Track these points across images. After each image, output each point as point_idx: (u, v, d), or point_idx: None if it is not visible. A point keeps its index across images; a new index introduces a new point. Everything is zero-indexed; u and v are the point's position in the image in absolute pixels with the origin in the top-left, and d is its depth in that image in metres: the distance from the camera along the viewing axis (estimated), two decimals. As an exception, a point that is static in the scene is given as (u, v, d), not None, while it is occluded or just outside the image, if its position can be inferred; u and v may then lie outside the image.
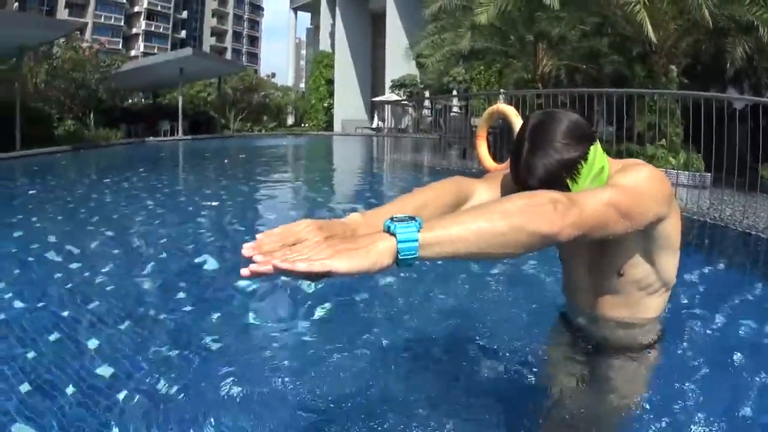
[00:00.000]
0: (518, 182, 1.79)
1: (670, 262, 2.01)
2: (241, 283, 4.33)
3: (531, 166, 1.74)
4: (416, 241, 1.23)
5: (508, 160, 1.88)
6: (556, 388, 2.34)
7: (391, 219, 1.26)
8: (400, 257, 1.22)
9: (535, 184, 1.72)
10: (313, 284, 3.72)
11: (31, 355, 3.22)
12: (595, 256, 2.07)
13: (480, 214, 1.35)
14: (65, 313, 3.94)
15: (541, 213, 1.39)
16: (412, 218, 1.26)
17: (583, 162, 1.75)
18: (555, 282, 2.69)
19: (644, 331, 2.15)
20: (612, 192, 1.62)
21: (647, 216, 1.74)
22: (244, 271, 1.17)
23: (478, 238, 1.31)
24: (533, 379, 2.73)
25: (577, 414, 2.24)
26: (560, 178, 1.73)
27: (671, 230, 1.92)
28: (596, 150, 1.79)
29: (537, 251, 1.49)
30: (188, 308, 4.10)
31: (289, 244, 1.27)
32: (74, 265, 5.15)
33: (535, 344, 2.98)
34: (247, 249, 1.24)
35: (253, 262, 1.18)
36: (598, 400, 2.24)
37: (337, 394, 2.76)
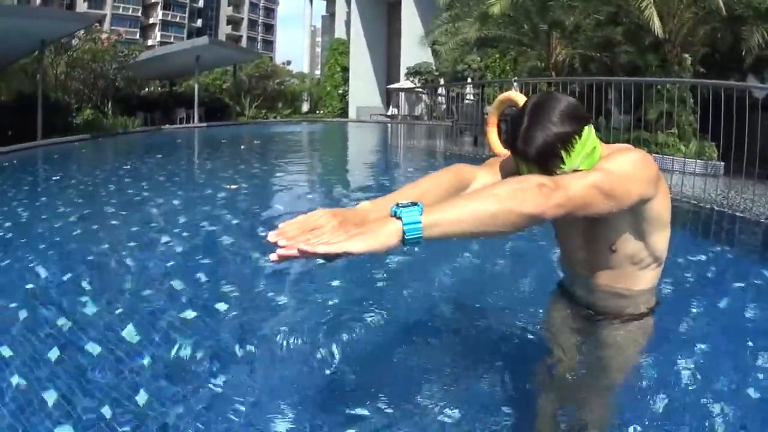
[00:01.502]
0: (516, 152, 1.96)
1: (660, 239, 2.16)
2: (253, 257, 4.64)
3: (529, 137, 1.89)
4: (419, 223, 1.39)
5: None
6: (555, 352, 2.53)
7: (397, 205, 1.42)
8: (406, 237, 1.39)
9: (533, 152, 1.89)
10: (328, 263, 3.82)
11: (61, 321, 3.40)
12: (588, 233, 2.21)
13: (475, 199, 1.53)
14: (90, 285, 4.11)
15: (528, 196, 1.56)
16: (415, 204, 1.43)
17: (577, 137, 1.91)
18: (554, 254, 2.86)
19: (638, 300, 2.29)
20: (596, 175, 1.78)
21: (631, 197, 1.87)
22: (273, 256, 1.35)
23: (474, 218, 1.47)
24: (535, 342, 2.85)
25: (575, 376, 2.43)
26: (556, 149, 1.89)
27: (660, 210, 2.06)
28: (590, 131, 1.95)
29: (527, 228, 1.64)
30: (204, 280, 4.24)
31: (309, 230, 1.43)
32: (96, 243, 5.35)
33: (536, 312, 3.13)
34: (272, 236, 1.40)
35: (279, 248, 1.36)
36: (594, 364, 2.41)
37: (342, 358, 2.87)
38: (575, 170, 1.89)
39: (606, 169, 1.82)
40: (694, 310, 3.38)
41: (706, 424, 2.27)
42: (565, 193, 1.65)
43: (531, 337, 2.96)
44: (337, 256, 1.35)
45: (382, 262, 4.26)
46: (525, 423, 2.35)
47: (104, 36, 29.66)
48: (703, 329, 3.16)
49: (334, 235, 1.38)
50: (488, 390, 2.56)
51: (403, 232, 1.38)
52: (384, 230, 1.38)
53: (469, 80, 28.70)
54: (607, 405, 2.40)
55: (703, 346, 2.86)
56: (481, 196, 1.54)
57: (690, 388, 2.51)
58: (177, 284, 4.10)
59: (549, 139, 1.88)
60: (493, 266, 4.44)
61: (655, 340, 2.53)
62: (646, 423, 2.26)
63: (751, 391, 2.53)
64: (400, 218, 1.39)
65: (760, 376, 2.70)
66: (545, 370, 2.58)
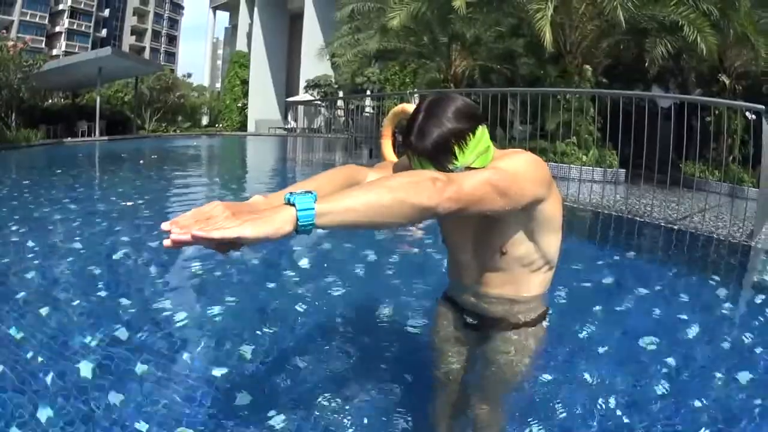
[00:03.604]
0: (410, 147, 1.93)
1: (552, 242, 2.18)
2: (152, 273, 4.92)
3: (424, 131, 1.88)
4: (312, 209, 1.39)
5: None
6: (446, 365, 2.54)
7: (291, 193, 1.42)
8: (299, 224, 1.38)
9: (427, 146, 1.87)
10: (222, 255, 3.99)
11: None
12: (478, 235, 2.21)
13: (368, 189, 1.54)
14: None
15: (422, 188, 1.57)
16: (309, 192, 1.43)
17: (471, 135, 1.90)
18: (440, 266, 2.89)
19: (529, 307, 2.29)
20: (491, 172, 1.80)
21: (524, 196, 1.89)
22: (167, 242, 1.32)
23: (367, 208, 1.48)
24: (428, 350, 2.85)
25: (469, 383, 2.49)
26: (449, 144, 1.88)
27: (551, 212, 2.09)
28: (484, 131, 1.95)
29: (421, 221, 1.68)
30: (103, 296, 4.30)
31: (203, 220, 1.39)
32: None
33: (427, 320, 3.25)
34: (165, 225, 1.37)
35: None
36: (487, 374, 2.41)
37: (237, 371, 3.03)
38: (468, 168, 1.90)
39: (500, 167, 1.84)
40: (593, 314, 3.64)
41: (603, 423, 2.44)
42: (459, 187, 1.66)
43: (424, 344, 2.99)
44: (231, 244, 1.35)
45: (276, 273, 4.69)
46: (422, 428, 2.49)
47: (10, 44, 28.19)
48: (602, 332, 3.37)
49: (228, 222, 1.36)
50: (383, 397, 2.68)
51: (297, 219, 1.38)
52: (278, 216, 1.37)
53: (369, 93, 28.79)
54: (503, 410, 2.48)
55: (601, 348, 3.08)
56: (375, 187, 1.55)
57: (589, 389, 2.68)
58: (75, 301, 4.16)
59: (443, 133, 1.88)
60: (386, 275, 4.58)
61: (551, 344, 2.65)
62: (544, 425, 2.43)
63: (649, 391, 2.71)
64: (293, 205, 1.39)
65: (658, 376, 2.86)
66: (440, 377, 2.58)
